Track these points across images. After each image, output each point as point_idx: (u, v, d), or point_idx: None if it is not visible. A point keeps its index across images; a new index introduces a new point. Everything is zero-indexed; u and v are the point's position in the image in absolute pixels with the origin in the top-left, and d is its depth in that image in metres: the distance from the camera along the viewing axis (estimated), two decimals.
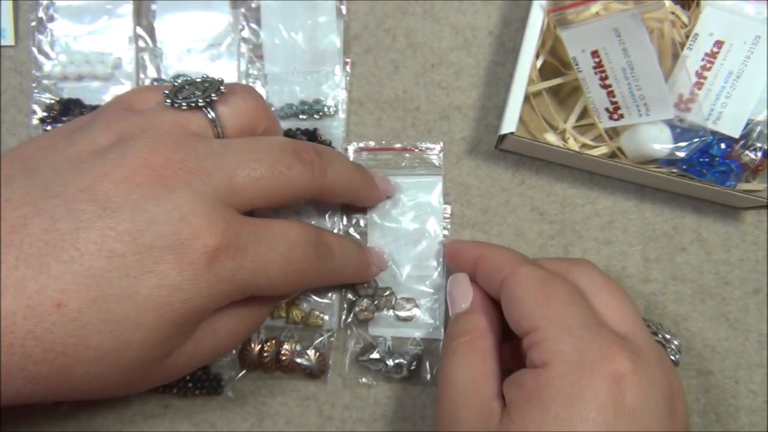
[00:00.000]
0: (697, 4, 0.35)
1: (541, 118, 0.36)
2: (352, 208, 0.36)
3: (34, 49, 0.37)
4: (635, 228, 0.37)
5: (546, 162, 0.37)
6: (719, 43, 0.34)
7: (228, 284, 0.25)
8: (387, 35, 0.38)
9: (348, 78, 0.38)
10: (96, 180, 0.24)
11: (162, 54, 0.38)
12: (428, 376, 0.34)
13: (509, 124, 0.33)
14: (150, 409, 0.35)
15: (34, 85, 0.37)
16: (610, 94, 0.34)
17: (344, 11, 0.38)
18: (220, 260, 0.24)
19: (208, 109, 0.27)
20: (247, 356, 0.34)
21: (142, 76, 0.38)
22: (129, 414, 0.35)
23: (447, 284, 0.32)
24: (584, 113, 0.36)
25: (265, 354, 0.34)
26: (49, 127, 0.36)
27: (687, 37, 0.34)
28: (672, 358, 0.31)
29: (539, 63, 0.35)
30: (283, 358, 0.34)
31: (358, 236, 0.36)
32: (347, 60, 0.38)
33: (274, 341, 0.34)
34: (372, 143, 0.37)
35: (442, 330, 0.35)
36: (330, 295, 0.35)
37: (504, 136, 0.33)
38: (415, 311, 0.35)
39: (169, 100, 0.27)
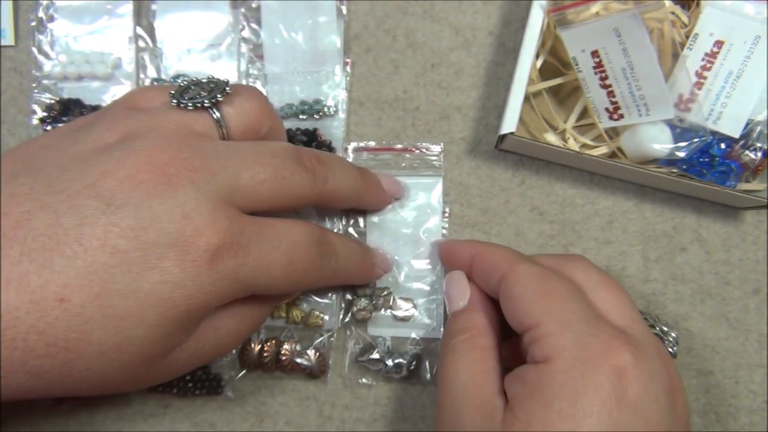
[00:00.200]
0: (697, 4, 0.35)
1: (541, 118, 0.36)
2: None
3: (34, 49, 0.37)
4: (635, 228, 0.37)
5: (546, 162, 0.37)
6: (719, 43, 0.34)
7: (230, 282, 0.25)
8: (387, 35, 0.38)
9: (348, 78, 0.38)
10: (100, 176, 0.24)
11: (162, 54, 0.38)
12: (428, 376, 0.34)
13: (509, 124, 0.33)
14: (150, 409, 0.35)
15: (34, 85, 0.37)
16: (610, 94, 0.34)
17: (344, 11, 0.38)
18: (222, 258, 0.24)
19: (214, 110, 0.27)
20: (247, 356, 0.34)
21: (142, 76, 0.38)
22: (129, 413, 0.35)
23: (444, 282, 0.32)
24: (584, 113, 0.36)
25: (265, 354, 0.34)
26: (49, 127, 0.36)
27: (687, 37, 0.34)
28: (670, 350, 0.32)
29: (539, 63, 0.35)
30: (283, 358, 0.34)
31: (357, 236, 0.36)
32: (347, 60, 0.38)
33: (274, 341, 0.34)
34: (372, 143, 0.37)
35: (441, 330, 0.35)
36: (330, 295, 0.35)
37: (504, 136, 0.33)
38: (414, 311, 0.35)
39: (175, 100, 0.27)
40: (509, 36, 0.38)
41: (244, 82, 0.38)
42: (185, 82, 0.28)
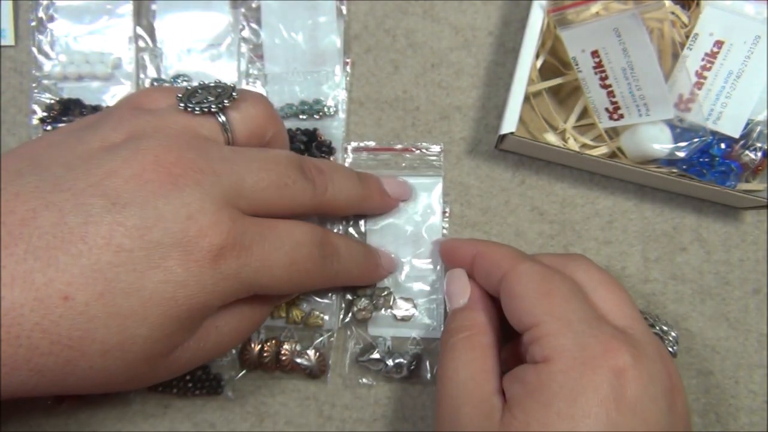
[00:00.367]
0: (697, 4, 0.35)
1: (541, 118, 0.36)
2: None
3: (34, 49, 0.37)
4: (635, 228, 0.37)
5: (546, 162, 0.37)
6: (719, 43, 0.34)
7: (232, 282, 0.25)
8: (387, 35, 0.38)
9: (348, 78, 0.38)
10: (106, 175, 0.24)
11: (162, 54, 0.38)
12: (428, 376, 0.34)
13: (509, 124, 0.33)
14: (150, 409, 0.35)
15: (34, 85, 0.37)
16: (610, 94, 0.34)
17: (344, 11, 0.38)
18: (225, 258, 0.25)
19: (220, 114, 0.27)
20: (247, 356, 0.34)
21: (142, 76, 0.38)
22: (129, 413, 0.35)
23: (445, 280, 0.32)
24: (584, 113, 0.36)
25: (265, 354, 0.34)
26: (49, 127, 0.36)
27: (687, 37, 0.34)
28: (670, 349, 0.31)
29: (539, 63, 0.35)
30: (283, 358, 0.34)
31: (357, 236, 0.36)
32: (347, 60, 0.38)
33: (274, 341, 0.34)
34: (372, 143, 0.37)
35: (442, 329, 0.35)
36: (330, 295, 0.35)
37: (504, 136, 0.33)
38: (414, 311, 0.35)
39: (182, 104, 0.27)
40: (509, 36, 0.38)
41: (244, 82, 0.38)
42: (192, 86, 0.28)
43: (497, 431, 0.25)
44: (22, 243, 0.22)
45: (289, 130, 0.36)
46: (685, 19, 0.35)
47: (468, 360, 0.28)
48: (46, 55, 0.37)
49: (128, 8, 0.38)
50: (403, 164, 0.36)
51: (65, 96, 0.37)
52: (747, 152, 0.34)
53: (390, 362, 0.34)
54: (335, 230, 0.36)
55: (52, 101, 0.37)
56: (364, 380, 0.35)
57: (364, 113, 0.38)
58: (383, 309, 0.35)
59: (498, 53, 0.38)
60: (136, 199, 0.23)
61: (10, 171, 0.24)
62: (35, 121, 0.37)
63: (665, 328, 0.32)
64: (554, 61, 0.36)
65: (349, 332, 0.35)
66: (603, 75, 0.33)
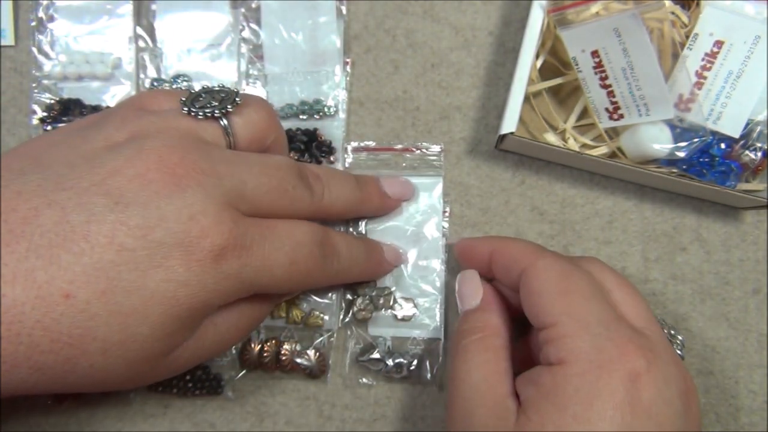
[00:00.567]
0: (697, 4, 0.35)
1: (541, 118, 0.36)
2: None
3: (34, 49, 0.37)
4: (635, 228, 0.37)
5: (546, 162, 0.37)
6: (719, 43, 0.34)
7: (233, 282, 0.25)
8: (387, 35, 0.38)
9: (348, 78, 0.38)
10: (109, 174, 0.24)
11: (162, 54, 0.38)
12: (428, 376, 0.34)
13: (509, 124, 0.33)
14: (150, 409, 0.35)
15: (34, 85, 0.37)
16: (610, 94, 0.34)
17: (344, 11, 0.38)
18: (226, 258, 0.25)
19: (223, 119, 0.28)
20: (247, 356, 0.34)
21: (142, 76, 0.38)
22: (129, 413, 0.35)
23: (456, 281, 0.32)
24: (584, 113, 0.36)
25: (265, 354, 0.34)
26: (49, 127, 0.36)
27: (687, 37, 0.34)
28: (677, 352, 0.31)
29: (539, 63, 0.35)
30: (283, 358, 0.34)
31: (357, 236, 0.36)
32: (347, 60, 0.38)
33: (274, 341, 0.34)
34: (372, 143, 0.37)
35: (442, 330, 0.35)
36: (330, 295, 0.35)
37: (504, 136, 0.33)
38: (414, 311, 0.35)
39: (185, 108, 0.27)
40: (509, 36, 0.38)
41: (244, 83, 0.38)
42: (196, 90, 0.29)
43: None
44: (24, 241, 0.22)
45: (289, 130, 0.36)
46: (685, 19, 0.35)
47: (481, 362, 0.28)
48: (46, 55, 0.37)
49: (128, 8, 0.38)
50: (404, 164, 0.36)
51: (65, 96, 0.37)
52: (747, 152, 0.34)
53: (390, 362, 0.34)
54: (335, 229, 0.36)
55: (52, 101, 0.37)
56: (364, 380, 0.35)
57: (364, 113, 0.38)
58: (383, 309, 0.35)
59: (498, 53, 0.38)
60: (139, 199, 0.24)
61: (12, 169, 0.24)
62: (35, 121, 0.37)
63: (672, 332, 0.32)
64: (554, 61, 0.36)
65: (349, 332, 0.35)
66: (603, 75, 0.33)
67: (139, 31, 0.38)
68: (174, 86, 0.37)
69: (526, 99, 0.35)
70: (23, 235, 0.22)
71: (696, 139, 0.34)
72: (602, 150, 0.35)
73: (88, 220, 0.23)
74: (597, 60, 0.33)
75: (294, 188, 0.28)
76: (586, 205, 0.37)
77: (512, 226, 0.37)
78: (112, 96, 0.37)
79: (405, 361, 0.34)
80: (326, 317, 0.35)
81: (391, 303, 0.35)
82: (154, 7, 0.38)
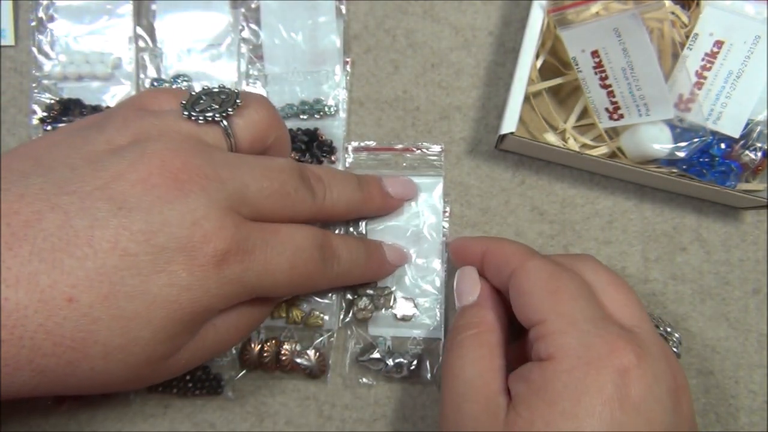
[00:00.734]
0: (697, 4, 0.35)
1: (541, 118, 0.36)
2: None
3: (34, 49, 0.37)
4: (635, 228, 0.37)
5: (546, 162, 0.37)
6: (719, 43, 0.34)
7: (235, 286, 0.25)
8: (387, 35, 0.38)
9: (348, 78, 0.38)
10: (112, 179, 0.24)
11: (162, 54, 0.38)
12: (428, 376, 0.34)
13: (509, 124, 0.33)
14: (150, 409, 0.35)
15: (34, 85, 0.37)
16: (610, 94, 0.34)
17: (344, 11, 0.38)
18: (228, 263, 0.25)
19: (224, 121, 0.28)
20: (247, 356, 0.34)
21: (142, 76, 0.38)
22: (129, 414, 0.35)
23: (455, 277, 0.32)
24: (584, 113, 0.36)
25: (265, 354, 0.34)
26: (49, 127, 0.36)
27: (687, 37, 0.34)
28: (674, 350, 0.31)
29: (539, 63, 0.35)
30: (283, 358, 0.34)
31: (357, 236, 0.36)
32: (347, 60, 0.38)
33: (274, 341, 0.34)
34: (372, 143, 0.37)
35: (442, 329, 0.35)
36: (330, 295, 0.35)
37: (504, 136, 0.33)
38: (414, 311, 0.35)
39: (186, 112, 0.27)
40: (509, 36, 0.38)
41: (244, 83, 0.38)
42: (196, 92, 0.28)
43: (502, 431, 0.25)
44: (26, 245, 0.22)
45: (290, 130, 0.36)
46: (685, 19, 0.35)
47: (475, 358, 0.28)
48: (46, 55, 0.37)
49: (128, 8, 0.38)
50: (404, 164, 0.37)
51: (65, 96, 0.37)
52: (747, 152, 0.34)
53: (390, 362, 0.34)
54: (336, 231, 0.36)
55: (52, 101, 0.37)
56: (364, 380, 0.35)
57: (364, 113, 0.38)
58: (383, 309, 0.35)
59: (498, 53, 0.38)
60: (142, 204, 0.24)
61: (13, 171, 0.24)
62: (35, 121, 0.37)
63: (669, 329, 0.32)
64: (554, 61, 0.36)
65: (349, 332, 0.35)
66: (603, 75, 0.33)
67: (139, 31, 0.38)
68: (174, 86, 0.37)
69: (526, 99, 0.35)
70: (26, 239, 0.22)
71: (696, 139, 0.34)
72: (602, 150, 0.35)
73: (92, 225, 0.23)
74: (597, 60, 0.33)
75: (296, 191, 0.28)
76: (586, 205, 0.37)
77: (512, 226, 0.37)
78: (112, 96, 0.37)
79: (405, 361, 0.34)
80: (326, 317, 0.35)
81: (391, 303, 0.35)
82: (154, 7, 0.38)
